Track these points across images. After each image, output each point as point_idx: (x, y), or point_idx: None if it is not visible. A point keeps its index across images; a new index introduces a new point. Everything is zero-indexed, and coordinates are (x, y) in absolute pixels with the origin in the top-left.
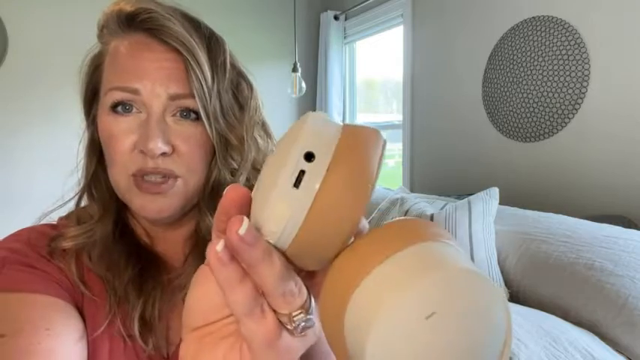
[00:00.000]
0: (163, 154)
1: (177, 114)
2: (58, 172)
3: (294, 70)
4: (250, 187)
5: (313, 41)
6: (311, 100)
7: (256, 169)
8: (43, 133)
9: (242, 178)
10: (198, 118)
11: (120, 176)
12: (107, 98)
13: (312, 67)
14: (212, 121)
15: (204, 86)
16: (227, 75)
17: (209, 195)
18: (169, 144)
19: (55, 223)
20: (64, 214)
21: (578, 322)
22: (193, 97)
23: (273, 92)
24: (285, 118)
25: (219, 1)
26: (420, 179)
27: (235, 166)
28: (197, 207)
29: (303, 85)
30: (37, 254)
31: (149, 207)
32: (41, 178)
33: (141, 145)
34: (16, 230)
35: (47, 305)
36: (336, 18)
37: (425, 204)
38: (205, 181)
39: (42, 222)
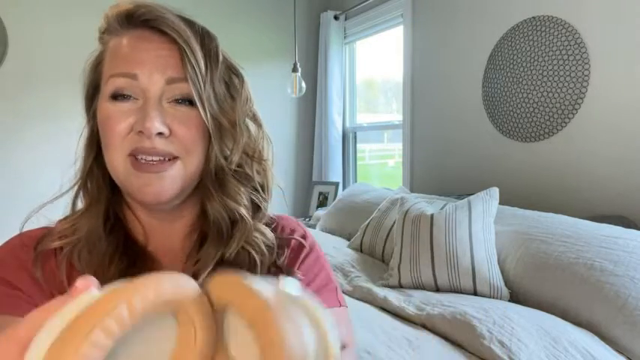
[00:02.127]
0: (160, 134)
1: (173, 100)
2: (58, 170)
3: (294, 70)
4: (239, 173)
5: (313, 41)
6: (311, 100)
7: (247, 154)
8: (42, 132)
9: (234, 160)
10: (192, 104)
11: (117, 159)
12: (107, 86)
13: (312, 67)
14: (206, 104)
15: (199, 73)
16: (219, 66)
17: (215, 179)
18: (166, 125)
19: (52, 225)
20: (62, 217)
21: (578, 322)
22: (187, 81)
23: (273, 92)
24: (286, 118)
25: (219, 1)
26: (420, 179)
27: (227, 151)
28: (195, 195)
29: (303, 85)
30: (17, 265)
31: (147, 189)
32: (41, 177)
33: (139, 125)
34: (15, 234)
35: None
36: (336, 18)
37: (425, 204)
38: (205, 164)
39: (37, 215)
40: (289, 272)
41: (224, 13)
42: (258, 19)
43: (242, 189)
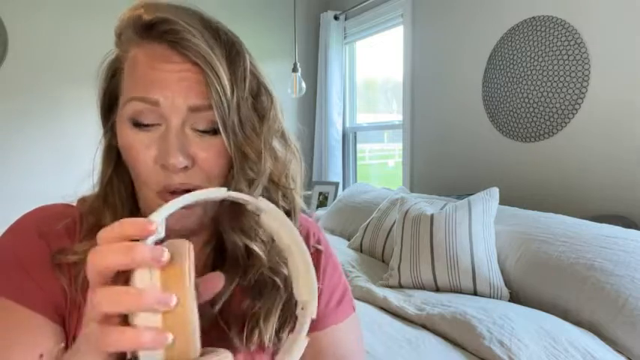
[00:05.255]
0: (185, 167)
1: (197, 128)
2: (58, 170)
3: (294, 70)
4: (267, 199)
5: (313, 41)
6: (311, 100)
7: (273, 182)
8: (42, 133)
9: (258, 190)
10: (216, 131)
11: (147, 193)
12: (127, 109)
13: (312, 67)
14: (230, 134)
15: (224, 99)
16: (247, 85)
17: (229, 209)
18: (189, 156)
19: (73, 204)
20: (84, 195)
21: (578, 322)
22: (212, 109)
23: None
24: (286, 118)
25: (219, 1)
26: (420, 179)
27: (253, 176)
28: (213, 218)
29: (303, 85)
30: (40, 262)
31: (175, 224)
32: (41, 177)
33: (161, 159)
34: (28, 213)
35: (21, 318)
36: (336, 18)
37: (425, 204)
38: None
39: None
40: None
41: (224, 13)
42: (258, 19)
43: None
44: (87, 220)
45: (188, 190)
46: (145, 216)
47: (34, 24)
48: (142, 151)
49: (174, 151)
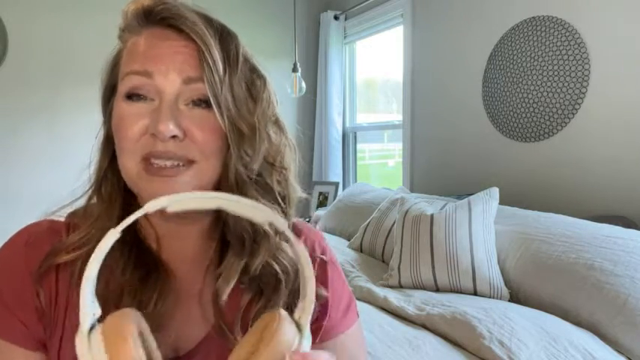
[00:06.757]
0: (174, 137)
1: (190, 103)
2: (57, 171)
3: (294, 70)
4: (258, 182)
5: (313, 41)
6: (311, 100)
7: (269, 162)
8: (42, 132)
9: (254, 168)
10: (210, 106)
11: (130, 162)
12: (123, 84)
13: (312, 67)
14: (223, 109)
15: (216, 74)
16: (239, 67)
17: (235, 189)
18: (181, 128)
19: (62, 220)
20: (71, 210)
21: (578, 322)
22: (204, 82)
23: None
24: (286, 118)
25: (219, 1)
26: (420, 179)
27: (247, 158)
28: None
29: (303, 85)
30: (21, 282)
31: (160, 194)
32: (40, 178)
33: (152, 128)
34: (20, 230)
35: (13, 356)
36: (336, 18)
37: (425, 204)
38: (223, 172)
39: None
40: (318, 294)
41: (224, 13)
42: (258, 19)
43: (263, 201)
44: (75, 227)
45: (176, 160)
46: (141, 207)
47: (34, 24)
48: (133, 121)
49: (165, 119)
